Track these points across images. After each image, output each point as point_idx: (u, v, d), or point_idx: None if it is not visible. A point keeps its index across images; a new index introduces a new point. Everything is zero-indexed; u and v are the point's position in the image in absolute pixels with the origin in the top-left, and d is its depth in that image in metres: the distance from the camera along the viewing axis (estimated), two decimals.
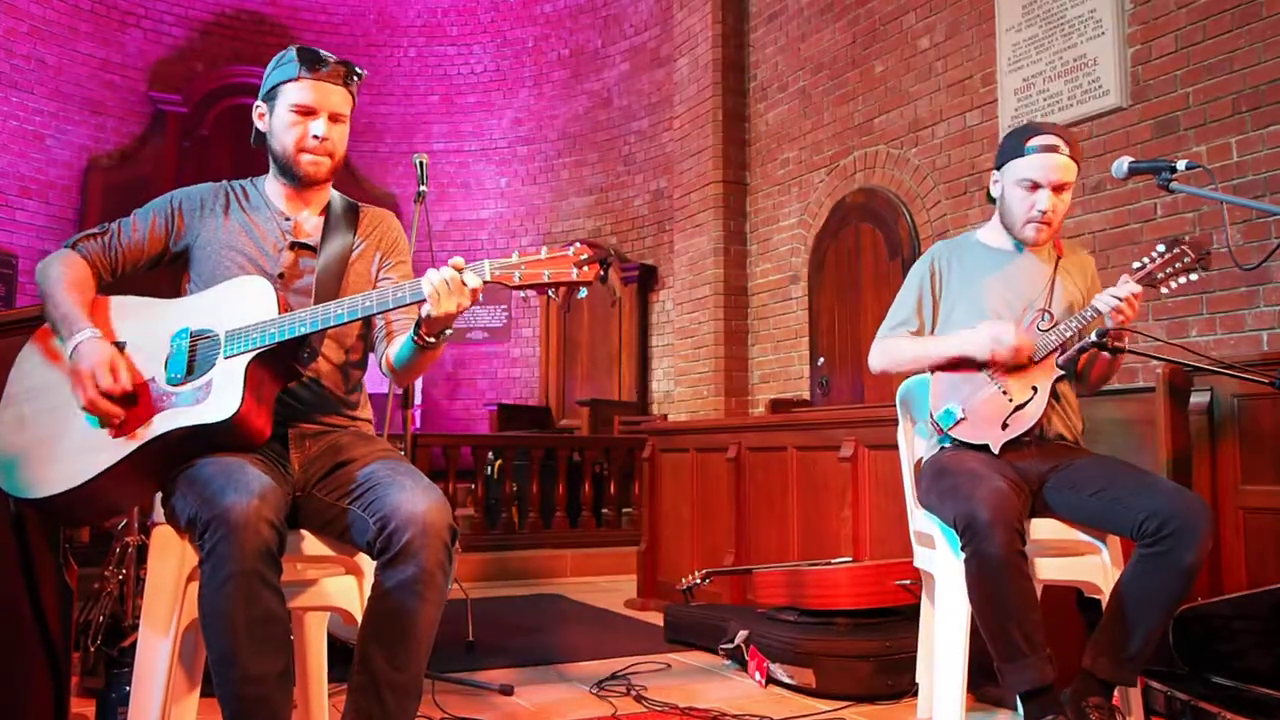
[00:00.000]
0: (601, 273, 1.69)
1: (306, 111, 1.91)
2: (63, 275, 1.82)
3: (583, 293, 1.70)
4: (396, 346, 1.89)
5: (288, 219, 1.98)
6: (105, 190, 8.10)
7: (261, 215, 1.98)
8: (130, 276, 1.95)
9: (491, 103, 9.35)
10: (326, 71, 1.91)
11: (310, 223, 2.00)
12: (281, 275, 1.92)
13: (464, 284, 1.68)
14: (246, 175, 2.06)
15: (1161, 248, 2.20)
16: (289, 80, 1.90)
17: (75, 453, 1.68)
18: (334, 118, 1.94)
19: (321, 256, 1.94)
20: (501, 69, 9.34)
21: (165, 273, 2.02)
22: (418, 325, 1.77)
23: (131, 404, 1.70)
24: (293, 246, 1.95)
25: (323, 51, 1.92)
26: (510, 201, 9.29)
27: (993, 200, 2.51)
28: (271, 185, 2.02)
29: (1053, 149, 2.30)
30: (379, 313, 1.77)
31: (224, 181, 2.04)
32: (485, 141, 9.36)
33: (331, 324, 1.74)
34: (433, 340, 1.78)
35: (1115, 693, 2.14)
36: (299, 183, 1.97)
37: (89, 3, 8.30)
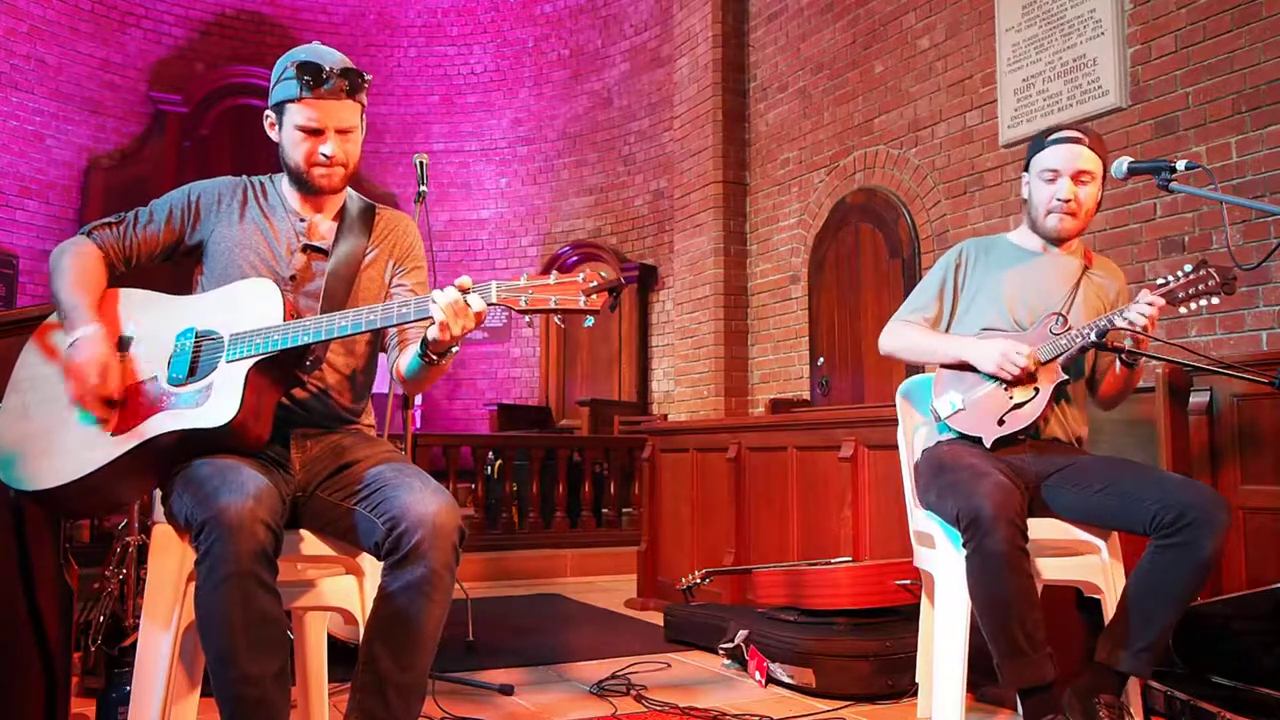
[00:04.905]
0: (611, 301, 1.66)
1: (312, 132, 1.88)
2: (71, 267, 1.82)
3: (589, 321, 1.67)
4: (407, 358, 1.89)
5: (302, 220, 1.97)
6: (105, 190, 8.10)
7: (277, 215, 1.97)
8: (144, 266, 1.94)
9: (491, 103, 9.35)
10: (329, 89, 1.84)
11: (324, 225, 1.99)
12: (293, 277, 1.91)
13: (468, 307, 1.67)
14: (249, 175, 2.06)
15: (1188, 268, 2.20)
16: (291, 100, 1.86)
17: (73, 447, 1.69)
18: (342, 132, 1.90)
19: (332, 260, 1.93)
20: (501, 69, 9.34)
21: (178, 264, 2.02)
22: (424, 343, 1.77)
23: (120, 406, 1.70)
24: (305, 249, 1.94)
25: (325, 63, 1.85)
26: (510, 201, 9.29)
27: (1026, 202, 2.54)
28: (287, 186, 2.00)
29: (1073, 140, 2.35)
30: (384, 327, 1.77)
31: (244, 177, 2.03)
32: (485, 141, 9.36)
33: (335, 335, 1.74)
34: (437, 358, 1.78)
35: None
36: (313, 192, 1.96)
37: (89, 3, 8.30)
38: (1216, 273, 2.18)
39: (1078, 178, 2.35)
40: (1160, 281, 2.22)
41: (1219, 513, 1.99)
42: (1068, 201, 2.35)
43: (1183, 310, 2.20)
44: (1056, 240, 2.44)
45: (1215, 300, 2.18)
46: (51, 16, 8.04)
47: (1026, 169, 2.45)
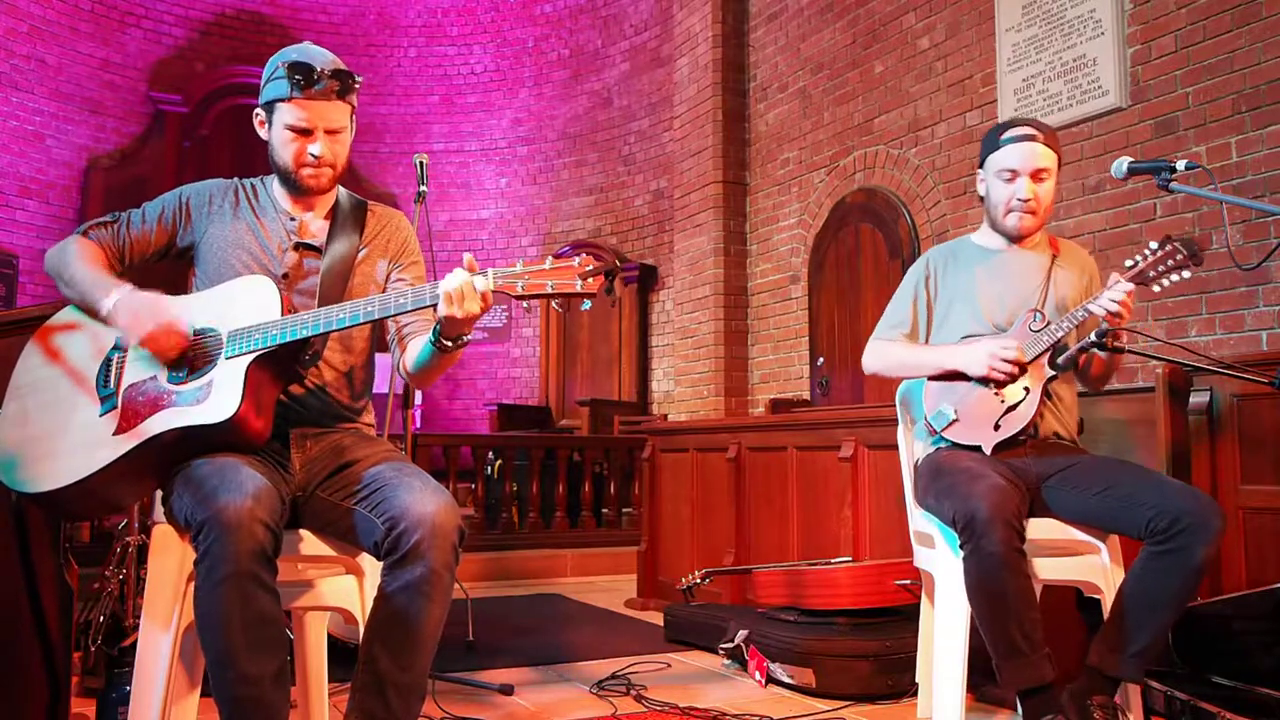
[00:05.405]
0: (606, 284, 1.67)
1: (302, 132, 1.88)
2: (78, 252, 1.85)
3: (586, 304, 1.68)
4: (414, 350, 1.89)
5: (293, 219, 1.98)
6: (105, 190, 8.10)
7: (268, 215, 1.98)
8: (138, 267, 1.95)
9: (491, 103, 9.35)
10: (319, 90, 1.85)
11: (316, 223, 1.99)
12: (286, 275, 1.92)
13: (475, 288, 1.67)
14: (247, 176, 2.06)
15: (1154, 245, 2.20)
16: (281, 99, 1.86)
17: (74, 449, 1.69)
18: (331, 132, 1.91)
19: (326, 258, 1.94)
20: (501, 69, 9.34)
21: (172, 264, 2.02)
22: (437, 329, 1.77)
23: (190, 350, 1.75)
24: (297, 247, 1.95)
25: (315, 64, 1.86)
26: (510, 201, 9.29)
27: (983, 201, 2.53)
28: (277, 187, 2.01)
29: (1028, 138, 2.34)
30: (381, 318, 1.77)
31: (235, 179, 2.04)
32: (485, 141, 9.36)
33: (334, 327, 1.74)
34: (451, 344, 1.78)
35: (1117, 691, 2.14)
36: (301, 192, 1.97)
37: (89, 3, 8.30)
38: (1182, 246, 2.17)
39: (1036, 175, 2.35)
40: (1129, 264, 2.21)
41: (1213, 520, 1.98)
42: (1028, 201, 2.35)
43: (1155, 289, 2.19)
44: (1017, 238, 2.44)
45: (1186, 275, 2.17)
46: (51, 16, 8.04)
47: (981, 167, 2.45)
